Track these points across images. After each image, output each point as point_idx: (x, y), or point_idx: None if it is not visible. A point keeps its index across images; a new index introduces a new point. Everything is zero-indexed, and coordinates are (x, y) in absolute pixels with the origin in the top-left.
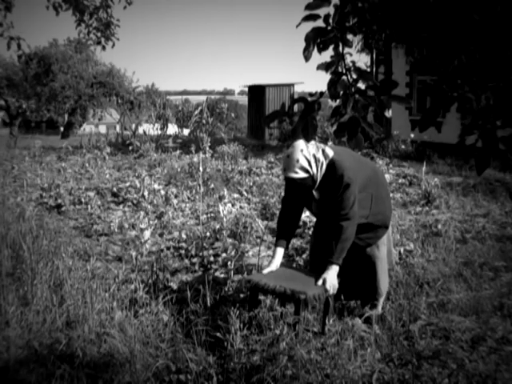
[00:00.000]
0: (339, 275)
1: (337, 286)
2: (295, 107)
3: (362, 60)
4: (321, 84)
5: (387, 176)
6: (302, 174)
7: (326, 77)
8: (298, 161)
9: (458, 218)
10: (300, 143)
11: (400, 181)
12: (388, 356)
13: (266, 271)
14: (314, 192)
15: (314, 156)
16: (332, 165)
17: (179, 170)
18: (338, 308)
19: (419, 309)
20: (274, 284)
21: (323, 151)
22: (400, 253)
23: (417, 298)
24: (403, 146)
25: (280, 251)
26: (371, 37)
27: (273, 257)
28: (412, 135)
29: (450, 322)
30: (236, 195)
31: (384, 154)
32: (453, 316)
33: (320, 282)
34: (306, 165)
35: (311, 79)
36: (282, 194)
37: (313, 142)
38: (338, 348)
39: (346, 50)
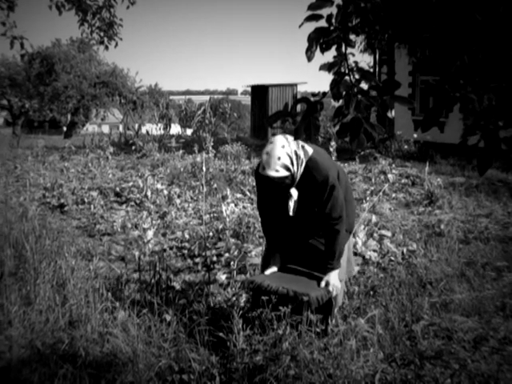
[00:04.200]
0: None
1: (339, 286)
2: (298, 107)
3: (365, 60)
4: (323, 84)
5: (390, 176)
6: (283, 173)
7: (328, 77)
8: (279, 158)
9: (460, 218)
10: (281, 139)
11: (403, 181)
12: (391, 356)
13: (268, 272)
14: (292, 191)
15: (296, 153)
16: (314, 163)
17: (182, 169)
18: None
19: (422, 309)
20: (276, 285)
21: (303, 148)
22: (403, 253)
23: (419, 298)
24: (406, 146)
25: (278, 256)
26: (374, 37)
27: (273, 259)
28: (415, 135)
29: (453, 322)
30: (239, 195)
31: (387, 154)
32: (455, 316)
33: (323, 284)
34: (288, 162)
35: (314, 79)
36: None
37: (291, 137)
38: (340, 348)
39: (349, 50)
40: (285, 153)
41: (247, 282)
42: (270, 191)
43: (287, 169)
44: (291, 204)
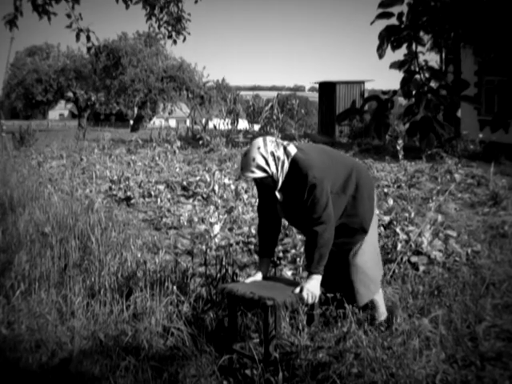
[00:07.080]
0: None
1: (317, 294)
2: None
3: (432, 59)
4: (390, 82)
5: (456, 176)
6: (259, 174)
7: (395, 74)
8: (254, 159)
9: None
10: (258, 141)
11: (468, 181)
12: (452, 357)
13: (248, 280)
14: (277, 193)
15: (273, 154)
16: (295, 163)
17: None
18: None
19: (484, 310)
20: (244, 291)
21: (285, 149)
22: (467, 253)
23: (482, 299)
24: (472, 146)
25: (266, 261)
26: (441, 36)
27: (259, 267)
28: (480, 135)
29: None
30: None
31: (453, 153)
32: None
33: (297, 290)
34: (262, 163)
35: (381, 77)
36: None
37: (273, 139)
38: (404, 347)
39: (419, 48)
40: (259, 154)
41: (220, 289)
42: (264, 194)
43: (263, 170)
44: (278, 206)
